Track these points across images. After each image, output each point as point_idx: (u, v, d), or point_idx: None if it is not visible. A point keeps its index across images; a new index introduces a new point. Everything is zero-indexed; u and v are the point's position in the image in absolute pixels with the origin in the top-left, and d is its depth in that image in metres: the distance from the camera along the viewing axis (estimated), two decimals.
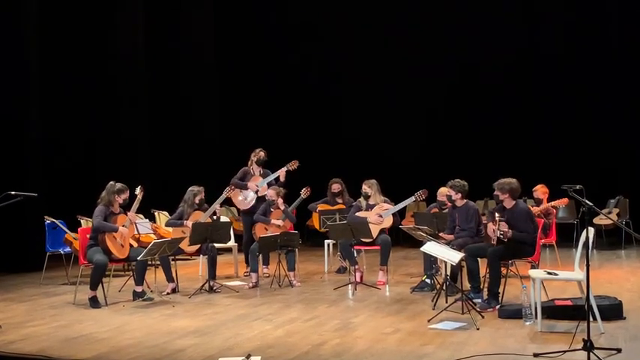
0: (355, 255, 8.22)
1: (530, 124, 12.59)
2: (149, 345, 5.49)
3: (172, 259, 7.84)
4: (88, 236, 7.32)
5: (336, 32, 13.62)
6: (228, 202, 9.67)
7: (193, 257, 9.54)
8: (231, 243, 9.05)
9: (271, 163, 9.23)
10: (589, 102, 12.23)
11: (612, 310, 5.93)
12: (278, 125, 13.55)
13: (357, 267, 8.06)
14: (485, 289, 6.71)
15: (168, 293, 7.70)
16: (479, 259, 6.77)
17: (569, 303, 6.11)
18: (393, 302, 7.06)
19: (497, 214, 6.48)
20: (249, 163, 9.18)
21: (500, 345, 5.25)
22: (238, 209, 9.77)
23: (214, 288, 7.78)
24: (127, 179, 7.67)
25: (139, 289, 7.35)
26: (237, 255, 9.42)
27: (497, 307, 6.36)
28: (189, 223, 8.05)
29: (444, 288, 6.72)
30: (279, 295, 7.63)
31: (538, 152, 12.28)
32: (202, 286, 7.76)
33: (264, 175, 9.07)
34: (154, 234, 9.63)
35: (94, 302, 7.02)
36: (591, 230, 5.58)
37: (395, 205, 8.29)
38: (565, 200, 8.70)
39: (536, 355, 4.89)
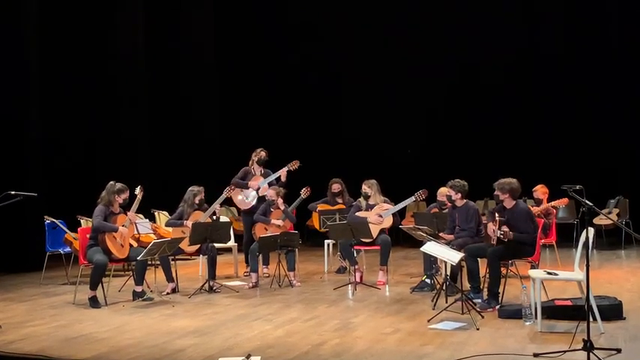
0: (355, 255, 8.22)
1: (530, 124, 12.60)
2: (149, 345, 5.49)
3: (172, 259, 7.84)
4: (87, 236, 7.32)
5: (336, 32, 13.62)
6: (228, 202, 9.67)
7: (193, 257, 9.53)
8: (231, 243, 9.05)
9: (271, 163, 9.23)
10: (589, 102, 12.23)
11: (612, 311, 5.93)
12: (278, 125, 13.54)
13: (356, 267, 8.06)
14: (485, 289, 6.71)
15: (168, 293, 7.70)
16: (479, 259, 6.77)
17: (569, 303, 6.11)
18: (392, 302, 7.06)
19: (497, 214, 6.48)
20: (250, 162, 9.18)
21: (500, 345, 5.25)
22: (238, 209, 9.78)
23: (214, 288, 7.78)
24: (127, 179, 7.66)
25: (138, 289, 7.35)
26: (237, 255, 9.42)
27: (497, 307, 6.36)
28: (189, 223, 8.05)
29: (444, 288, 6.71)
30: (279, 295, 7.62)
31: (538, 152, 12.28)
32: (202, 286, 7.76)
33: (265, 175, 9.07)
34: (154, 234, 9.62)
35: (93, 302, 7.02)
36: (591, 230, 5.58)
37: (395, 205, 8.29)
38: (565, 200, 8.70)
39: (536, 355, 4.89)
